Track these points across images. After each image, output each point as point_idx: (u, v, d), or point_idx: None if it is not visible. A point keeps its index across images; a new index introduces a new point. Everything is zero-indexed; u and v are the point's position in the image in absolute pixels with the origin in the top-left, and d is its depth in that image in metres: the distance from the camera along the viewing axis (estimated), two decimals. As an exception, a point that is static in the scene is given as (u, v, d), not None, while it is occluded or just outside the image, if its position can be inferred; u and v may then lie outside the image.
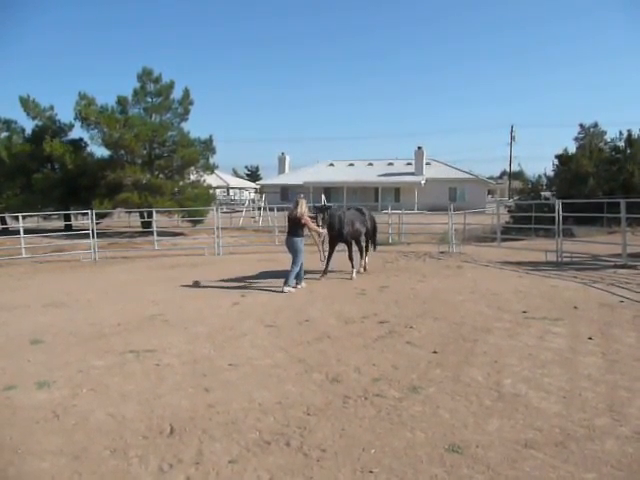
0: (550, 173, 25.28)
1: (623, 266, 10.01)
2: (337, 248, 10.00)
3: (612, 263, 10.43)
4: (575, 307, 6.84)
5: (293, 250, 8.67)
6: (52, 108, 23.69)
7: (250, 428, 3.53)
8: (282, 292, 8.43)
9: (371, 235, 10.66)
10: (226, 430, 3.51)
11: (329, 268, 9.85)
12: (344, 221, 9.57)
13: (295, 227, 8.72)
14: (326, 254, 9.70)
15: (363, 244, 10.56)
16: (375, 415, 3.68)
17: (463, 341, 5.42)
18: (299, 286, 8.82)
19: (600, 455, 3.06)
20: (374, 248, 10.97)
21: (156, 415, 3.77)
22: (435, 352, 5.05)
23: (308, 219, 8.77)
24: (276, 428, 3.52)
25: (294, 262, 8.67)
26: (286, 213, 9.22)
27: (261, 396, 4.06)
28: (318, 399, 3.99)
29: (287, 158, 53.87)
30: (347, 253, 9.84)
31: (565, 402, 3.81)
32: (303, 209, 8.69)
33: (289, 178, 50.14)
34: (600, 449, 3.12)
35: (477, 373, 4.46)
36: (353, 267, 9.76)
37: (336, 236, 9.55)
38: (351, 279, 9.48)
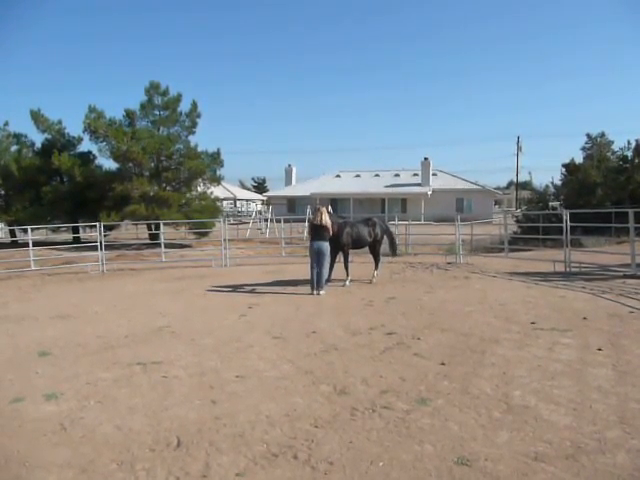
0: (557, 183, 25.24)
1: (632, 276, 9.94)
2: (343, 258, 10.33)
3: (621, 273, 10.36)
4: (584, 318, 6.78)
5: (322, 254, 9.29)
6: (61, 122, 23.97)
7: (257, 440, 3.51)
8: (318, 295, 9.10)
9: (389, 243, 11.25)
10: (233, 443, 3.50)
11: (331, 277, 10.01)
12: (343, 230, 9.98)
13: (321, 234, 9.37)
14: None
15: (380, 256, 10.97)
16: (383, 427, 3.65)
17: (471, 352, 5.39)
18: (322, 292, 9.26)
19: (612, 469, 3.01)
20: (393, 254, 11.76)
21: (163, 428, 3.76)
22: (443, 364, 5.02)
23: (330, 227, 9.51)
24: (283, 440, 3.50)
25: (324, 265, 9.33)
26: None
27: (268, 408, 4.05)
28: (325, 411, 3.97)
29: (294, 169, 54.08)
30: (343, 262, 10.30)
31: (575, 414, 3.76)
32: (326, 218, 9.45)
33: (296, 189, 50.31)
34: (612, 462, 3.08)
35: (486, 385, 4.43)
36: (348, 276, 10.18)
37: (333, 246, 9.74)
38: (343, 286, 9.88)
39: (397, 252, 12.07)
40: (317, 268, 9.25)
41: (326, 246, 9.35)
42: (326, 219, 9.42)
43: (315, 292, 9.15)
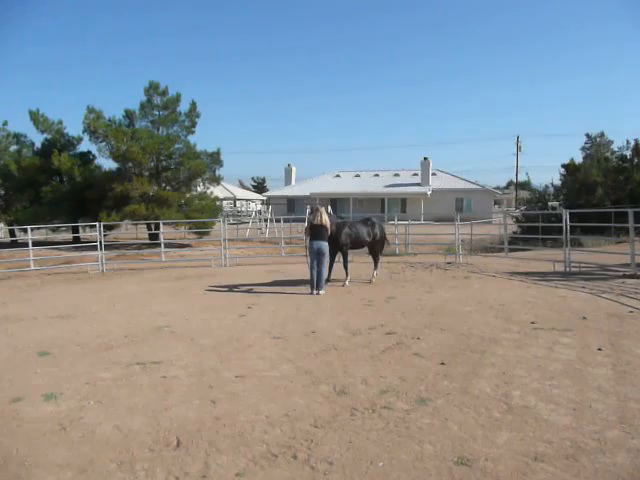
0: (557, 183, 25.27)
1: (632, 276, 9.94)
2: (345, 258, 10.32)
3: (621, 273, 10.36)
4: (584, 317, 6.78)
5: (322, 253, 9.30)
6: (61, 122, 23.93)
7: (257, 441, 3.51)
8: (318, 295, 9.08)
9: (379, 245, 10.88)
10: (233, 443, 3.49)
11: (331, 277, 10.07)
12: (342, 230, 9.96)
13: (321, 233, 9.36)
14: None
15: (379, 255, 10.85)
16: (383, 427, 3.65)
17: (471, 352, 5.38)
18: (321, 292, 9.25)
19: (611, 469, 3.01)
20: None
21: (163, 428, 3.76)
22: (443, 363, 5.02)
23: (329, 226, 9.50)
24: (283, 441, 3.50)
25: (324, 265, 9.35)
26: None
27: (268, 408, 4.04)
28: (325, 411, 3.96)
29: (294, 169, 54.09)
30: (342, 262, 10.26)
31: (575, 414, 3.76)
32: (325, 217, 9.46)
33: (295, 189, 50.35)
34: (611, 462, 3.08)
35: (485, 385, 4.43)
36: (347, 275, 10.15)
37: (332, 246, 9.72)
38: (343, 286, 9.90)
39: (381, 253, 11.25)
40: (317, 268, 9.24)
41: (326, 246, 9.35)
42: (325, 218, 9.43)
43: (315, 292, 9.14)
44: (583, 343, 5.61)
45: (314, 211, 9.66)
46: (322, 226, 9.34)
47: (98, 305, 8.75)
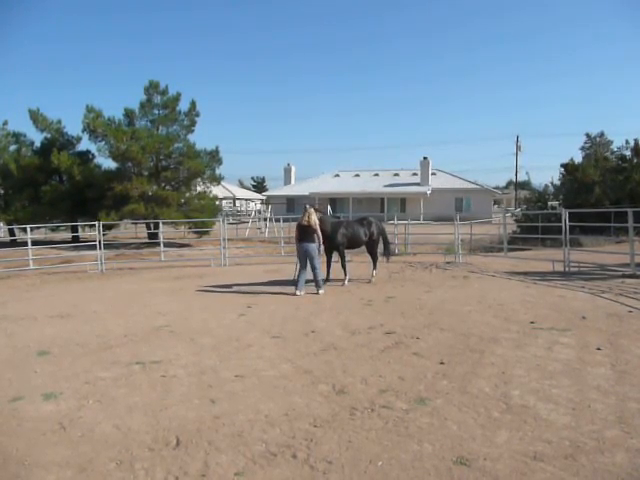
0: (556, 182, 25.29)
1: (631, 276, 9.94)
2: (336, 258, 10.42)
3: (620, 273, 10.35)
4: (583, 317, 6.79)
5: (310, 256, 9.19)
6: (60, 121, 23.94)
7: (256, 440, 3.51)
8: (318, 294, 9.09)
9: (383, 246, 10.92)
10: (232, 442, 3.49)
11: (330, 277, 10.13)
12: (338, 230, 9.94)
13: (309, 235, 9.23)
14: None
15: (377, 255, 10.78)
16: (382, 427, 3.65)
17: (470, 352, 5.39)
18: (321, 291, 9.25)
19: (611, 468, 3.01)
20: (387, 258, 11.34)
21: (162, 427, 3.76)
22: (442, 363, 5.02)
23: (318, 228, 9.33)
24: (282, 440, 3.50)
25: (316, 266, 9.24)
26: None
27: (267, 407, 4.04)
28: (324, 411, 3.97)
29: (293, 169, 54.06)
30: (340, 262, 10.25)
31: (574, 414, 3.76)
32: (314, 218, 9.28)
33: (295, 189, 50.32)
34: (610, 462, 3.08)
35: (485, 384, 4.43)
36: (346, 275, 10.13)
37: (329, 246, 9.68)
38: (342, 286, 9.90)
39: (390, 257, 11.47)
40: (305, 269, 9.19)
41: (313, 248, 9.20)
42: (314, 219, 9.24)
43: (298, 292, 9.04)
44: (582, 343, 5.61)
45: (303, 212, 9.50)
46: (309, 227, 9.19)
47: (97, 304, 8.75)
